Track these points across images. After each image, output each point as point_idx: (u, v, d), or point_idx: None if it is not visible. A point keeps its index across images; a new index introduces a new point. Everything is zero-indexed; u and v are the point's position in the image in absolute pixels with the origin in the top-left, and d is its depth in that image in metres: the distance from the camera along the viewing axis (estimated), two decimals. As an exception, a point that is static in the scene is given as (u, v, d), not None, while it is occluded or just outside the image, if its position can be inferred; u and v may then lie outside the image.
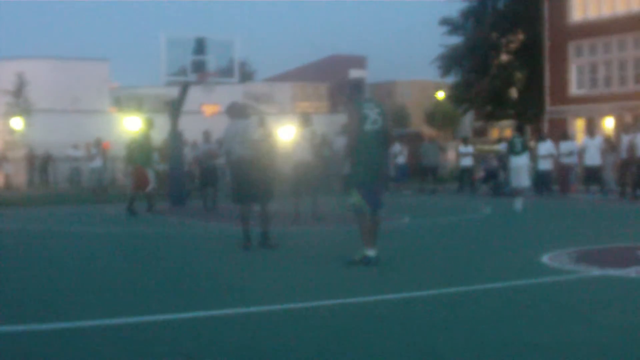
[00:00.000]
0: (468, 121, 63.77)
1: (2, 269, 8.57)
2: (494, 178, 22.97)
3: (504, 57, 43.93)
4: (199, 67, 18.40)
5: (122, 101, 50.45)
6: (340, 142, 19.81)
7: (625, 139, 19.00)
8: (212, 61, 18.60)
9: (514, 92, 44.56)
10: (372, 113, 8.10)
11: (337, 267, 8.03)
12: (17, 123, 36.53)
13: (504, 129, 48.93)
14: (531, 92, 40.62)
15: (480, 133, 57.37)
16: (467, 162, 24.31)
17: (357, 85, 8.55)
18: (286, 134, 21.56)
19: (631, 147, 18.43)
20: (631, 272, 7.40)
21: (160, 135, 19.59)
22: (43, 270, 8.48)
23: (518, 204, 15.49)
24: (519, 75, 43.50)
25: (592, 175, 20.64)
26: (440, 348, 4.72)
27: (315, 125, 14.11)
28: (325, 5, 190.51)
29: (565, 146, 21.57)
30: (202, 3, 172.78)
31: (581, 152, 20.94)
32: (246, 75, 69.81)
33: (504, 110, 44.54)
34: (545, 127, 35.19)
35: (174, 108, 19.01)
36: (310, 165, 13.45)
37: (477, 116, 49.87)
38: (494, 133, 46.68)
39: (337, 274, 7.65)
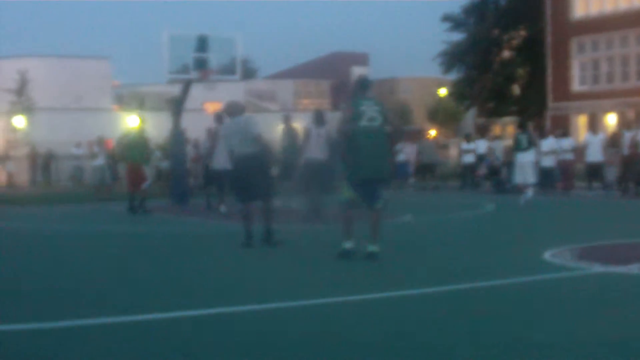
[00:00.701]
0: (470, 118, 63.71)
1: (2, 268, 8.58)
2: (496, 175, 22.98)
3: (506, 54, 43.95)
4: (201, 65, 18.39)
5: (125, 99, 50.50)
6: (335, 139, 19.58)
7: (628, 136, 18.98)
8: (214, 59, 18.58)
9: (516, 89, 44.56)
10: (369, 110, 8.12)
11: (339, 264, 8.05)
12: (19, 121, 36.64)
13: (506, 125, 48.92)
14: (533, 89, 40.62)
15: (482, 130, 57.31)
16: (470, 158, 24.31)
17: (361, 83, 8.55)
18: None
19: (633, 144, 18.40)
20: (633, 268, 7.39)
21: (162, 133, 19.58)
22: (43, 269, 8.48)
23: (529, 194, 15.78)
24: (521, 71, 43.50)
25: (594, 172, 20.62)
26: (441, 345, 4.71)
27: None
28: (327, 3, 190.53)
29: (566, 143, 21.54)
30: (204, 1, 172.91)
31: (583, 149, 20.91)
32: (248, 73, 69.79)
33: (506, 106, 44.54)
34: (548, 123, 35.16)
35: (176, 106, 18.99)
36: (323, 163, 12.92)
37: (480, 113, 49.85)
38: (496, 130, 46.67)
39: (339, 272, 7.66)
